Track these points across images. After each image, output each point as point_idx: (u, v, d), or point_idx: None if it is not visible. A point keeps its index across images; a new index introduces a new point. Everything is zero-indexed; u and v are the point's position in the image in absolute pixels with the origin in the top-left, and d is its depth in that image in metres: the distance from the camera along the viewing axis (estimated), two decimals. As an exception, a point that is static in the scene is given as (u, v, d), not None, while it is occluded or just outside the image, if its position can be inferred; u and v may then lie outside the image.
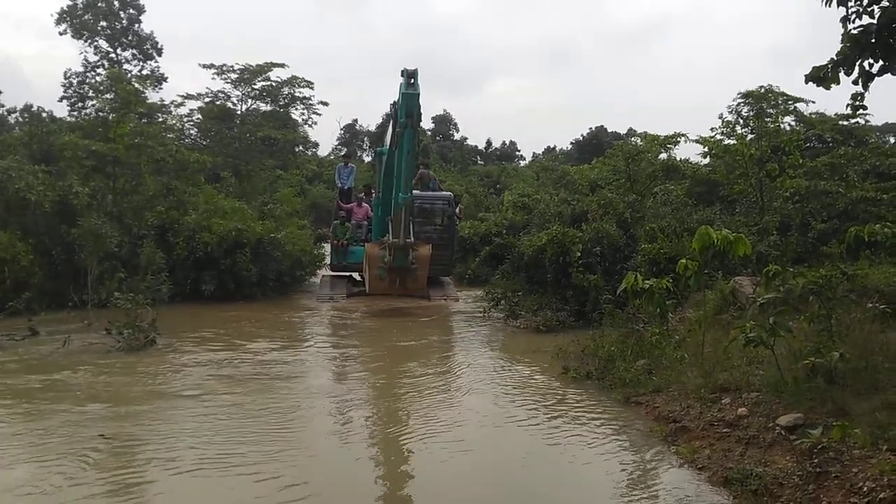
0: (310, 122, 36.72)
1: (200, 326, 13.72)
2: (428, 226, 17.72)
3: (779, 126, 18.17)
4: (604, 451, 6.84)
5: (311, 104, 35.54)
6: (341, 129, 62.29)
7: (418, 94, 13.32)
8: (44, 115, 26.58)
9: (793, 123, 21.56)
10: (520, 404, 8.52)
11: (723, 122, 18.09)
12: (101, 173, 17.96)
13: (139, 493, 5.82)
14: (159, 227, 17.41)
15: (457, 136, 65.30)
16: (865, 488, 4.68)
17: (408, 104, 13.29)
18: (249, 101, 35.20)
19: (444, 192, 20.02)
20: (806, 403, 6.28)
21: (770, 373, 7.08)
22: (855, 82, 6.92)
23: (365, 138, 62.09)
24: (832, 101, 27.94)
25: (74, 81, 38.81)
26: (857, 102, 7.12)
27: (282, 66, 33.87)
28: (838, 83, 6.90)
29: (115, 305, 12.16)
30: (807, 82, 6.85)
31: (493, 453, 6.88)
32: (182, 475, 6.13)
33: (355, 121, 64.24)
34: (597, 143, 53.90)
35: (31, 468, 6.28)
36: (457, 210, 19.17)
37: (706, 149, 19.48)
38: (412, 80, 13.25)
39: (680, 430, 6.98)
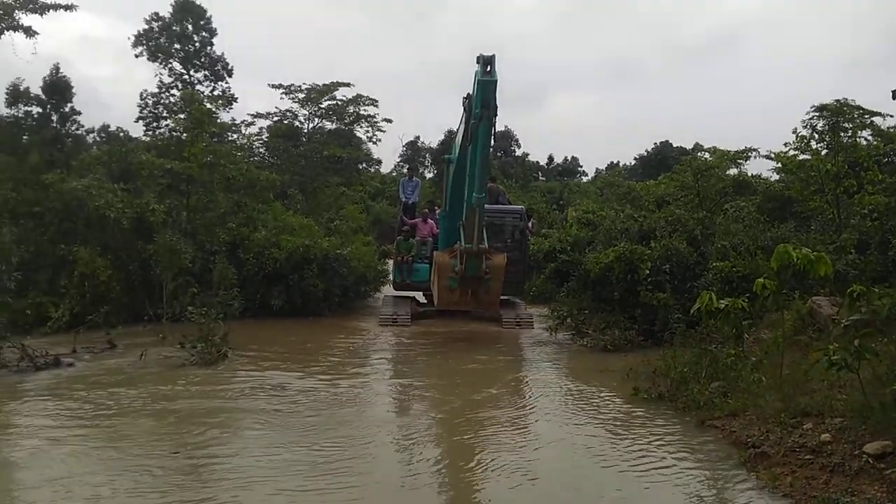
0: (374, 140, 37.25)
1: (270, 343, 14.02)
2: (498, 242, 16.49)
3: (856, 141, 17.52)
4: (679, 477, 6.64)
5: (375, 122, 36.03)
6: (403, 146, 62.85)
7: (496, 82, 12.00)
8: (121, 134, 27.82)
9: (870, 138, 20.78)
10: (589, 428, 8.37)
11: (797, 136, 17.55)
12: (175, 191, 18.63)
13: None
14: (230, 243, 17.88)
15: (518, 153, 65.13)
16: (964, 523, 4.44)
17: (484, 93, 12.01)
18: (315, 119, 35.93)
19: (516, 206, 19.20)
20: (894, 431, 5.99)
21: (854, 397, 6.81)
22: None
23: (427, 155, 62.48)
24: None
25: (150, 102, 40.19)
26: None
27: (347, 85, 34.48)
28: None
29: (189, 320, 12.50)
30: (895, 98, 6.61)
31: (564, 483, 6.63)
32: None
33: (417, 138, 64.72)
34: (661, 159, 52.99)
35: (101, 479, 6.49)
36: (529, 224, 18.32)
37: (778, 164, 18.94)
38: (489, 67, 11.98)
39: (759, 455, 6.74)
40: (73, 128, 27.18)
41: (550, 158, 68.68)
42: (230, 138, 28.93)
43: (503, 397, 10.22)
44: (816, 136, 17.27)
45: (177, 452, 7.25)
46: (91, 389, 9.97)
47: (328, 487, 6.38)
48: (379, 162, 51.89)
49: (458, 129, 14.32)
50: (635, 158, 61.59)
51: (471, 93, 12.52)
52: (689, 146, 44.81)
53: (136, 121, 40.00)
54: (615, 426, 8.37)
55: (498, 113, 12.12)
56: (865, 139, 20.07)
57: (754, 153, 20.79)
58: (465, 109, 13.00)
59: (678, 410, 8.76)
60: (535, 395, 10.25)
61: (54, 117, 25.93)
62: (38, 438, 7.71)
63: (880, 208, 15.93)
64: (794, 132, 17.56)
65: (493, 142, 12.69)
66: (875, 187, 16.47)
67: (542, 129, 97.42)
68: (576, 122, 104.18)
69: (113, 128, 29.72)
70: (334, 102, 35.19)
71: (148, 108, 40.50)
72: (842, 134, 17.74)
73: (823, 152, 17.58)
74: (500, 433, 8.25)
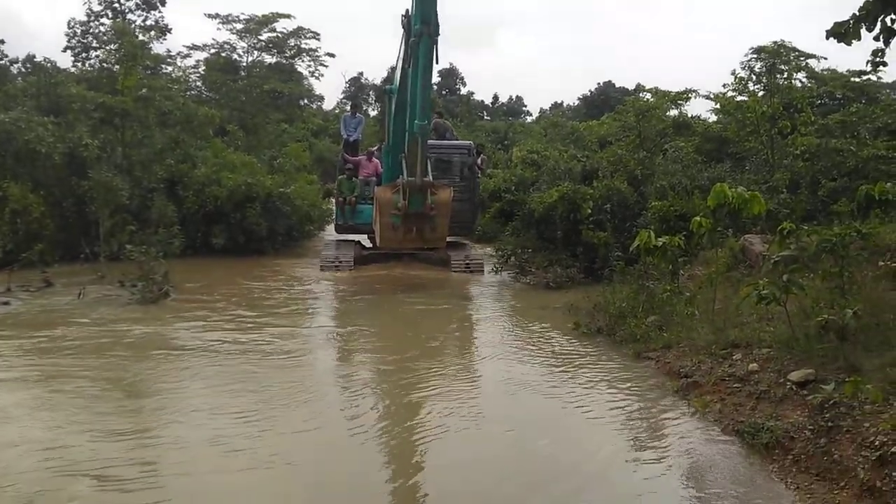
0: (316, 75, 36.44)
1: (211, 283, 13.84)
2: (447, 180, 15.40)
3: (791, 83, 17.95)
4: (617, 406, 6.93)
5: (317, 56, 35.21)
6: (346, 83, 61.61)
7: None
8: (48, 65, 26.46)
9: (805, 80, 21.33)
10: (531, 364, 8.56)
11: (735, 78, 17.90)
12: (109, 126, 17.95)
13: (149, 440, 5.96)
14: (168, 180, 17.48)
15: (463, 91, 64.58)
16: (877, 442, 4.78)
17: (423, 8, 11.24)
18: (255, 52, 34.87)
19: (463, 142, 18.35)
20: (817, 360, 6.35)
21: (781, 329, 7.16)
22: (876, 38, 6.85)
23: (370, 92, 61.38)
24: (844, 57, 27.49)
25: (78, 31, 38.10)
26: (878, 59, 7.05)
27: (288, 16, 33.50)
28: (859, 39, 6.82)
29: (129, 258, 12.28)
30: (828, 38, 6.77)
31: (508, 416, 6.78)
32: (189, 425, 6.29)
33: (361, 74, 63.40)
34: (604, 99, 53.35)
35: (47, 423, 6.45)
36: (478, 161, 17.41)
37: (717, 105, 19.30)
38: None
39: (691, 384, 7.09)
40: (-6, 57, 25.80)
41: (495, 98, 68.39)
42: (165, 71, 27.92)
43: (446, 338, 10.33)
44: (754, 77, 17.62)
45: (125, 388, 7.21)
46: (28, 328, 9.76)
47: (268, 432, 6.14)
48: (321, 98, 50.94)
49: (398, 55, 13.41)
50: (579, 98, 61.84)
51: (409, 9, 11.71)
52: (632, 87, 45.19)
53: (64, 51, 37.94)
54: (556, 361, 8.62)
55: (440, 32, 11.26)
56: (801, 81, 20.62)
57: (694, 94, 21.11)
58: (404, 29, 12.09)
59: (616, 344, 9.09)
60: (479, 334, 10.50)
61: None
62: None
63: (812, 149, 16.47)
64: (733, 73, 17.90)
65: (435, 62, 11.66)
66: (808, 129, 16.97)
67: (487, 68, 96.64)
68: (520, 61, 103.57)
69: (39, 58, 28.25)
70: (274, 35, 34.21)
71: (76, 38, 38.45)
72: (778, 76, 18.18)
73: (760, 94, 18.00)
74: (443, 375, 8.10)
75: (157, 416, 6.55)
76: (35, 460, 5.41)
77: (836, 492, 4.75)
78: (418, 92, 12.05)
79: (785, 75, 18.10)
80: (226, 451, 5.68)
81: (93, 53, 35.88)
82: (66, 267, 14.24)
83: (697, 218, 8.84)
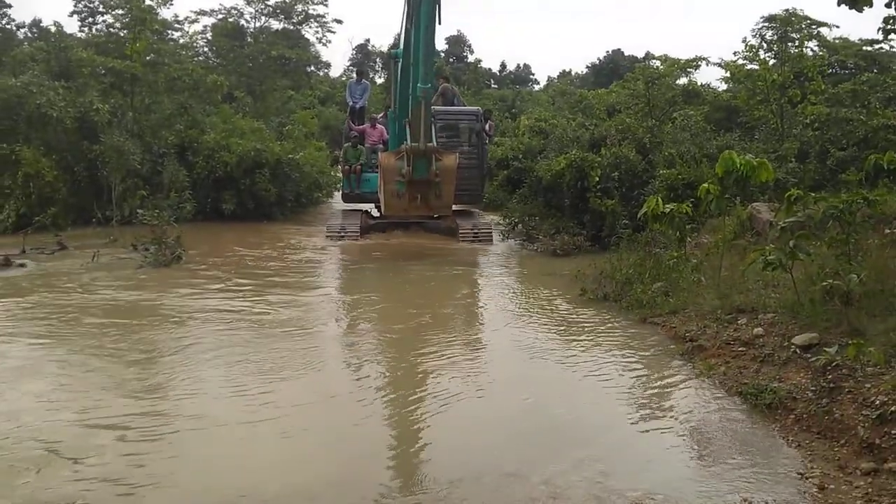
0: (323, 41, 36.24)
1: (221, 248, 13.95)
2: (455, 147, 15.28)
3: (802, 51, 17.83)
4: (623, 369, 7.05)
5: (324, 22, 34.92)
6: (353, 50, 61.14)
7: None
8: (55, 30, 26.40)
9: (816, 49, 21.14)
10: (539, 328, 8.70)
11: (746, 45, 17.78)
12: (118, 91, 18.00)
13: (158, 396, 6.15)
14: (178, 145, 17.55)
15: (470, 59, 64.03)
16: (877, 402, 4.92)
17: None
18: (262, 18, 34.62)
19: (471, 107, 18.09)
20: (821, 324, 6.47)
21: (787, 295, 7.27)
22: (888, 5, 6.86)
23: (377, 59, 60.94)
24: (856, 26, 27.28)
25: (85, -5, 38.00)
26: (889, 26, 7.07)
27: (296, -20, 33.17)
28: (871, 6, 6.83)
29: (142, 222, 12.42)
30: (839, 4, 6.77)
31: (520, 381, 6.77)
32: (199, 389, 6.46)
33: (367, 41, 62.84)
34: (613, 67, 52.86)
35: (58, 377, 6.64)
36: (486, 126, 17.09)
37: (727, 73, 19.19)
38: None
39: (696, 348, 7.22)
40: (2, 21, 25.76)
41: (503, 65, 67.74)
42: (172, 36, 27.77)
43: (454, 305, 10.39)
44: (765, 45, 17.51)
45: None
46: (45, 289, 9.95)
47: (279, 389, 6.28)
48: (328, 65, 50.66)
49: (402, 17, 13.04)
50: (587, 66, 61.21)
51: None
52: (641, 55, 44.81)
53: (71, 15, 37.77)
54: (563, 327, 8.73)
55: None
56: (812, 50, 20.44)
57: (704, 62, 20.99)
58: None
59: (622, 310, 9.19)
60: (486, 301, 10.56)
61: (-18, 10, 24.49)
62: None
63: (822, 118, 16.43)
64: (744, 41, 17.78)
65: (438, 23, 11.18)
66: (818, 97, 16.92)
67: (494, 34, 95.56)
68: (529, 28, 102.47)
69: (45, 23, 28.17)
70: (281, 0, 33.90)
71: (83, 2, 38.31)
72: (789, 44, 18.05)
73: (771, 62, 17.89)
74: (452, 341, 8.10)
75: (170, 376, 6.72)
76: (54, 415, 5.58)
77: (835, 449, 4.89)
78: (421, 54, 11.70)
79: (796, 44, 17.92)
80: (239, 405, 5.87)
81: (99, 18, 35.78)
82: (78, 230, 14.44)
83: (705, 185, 8.90)
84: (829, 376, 5.52)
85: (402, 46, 13.84)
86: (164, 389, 6.32)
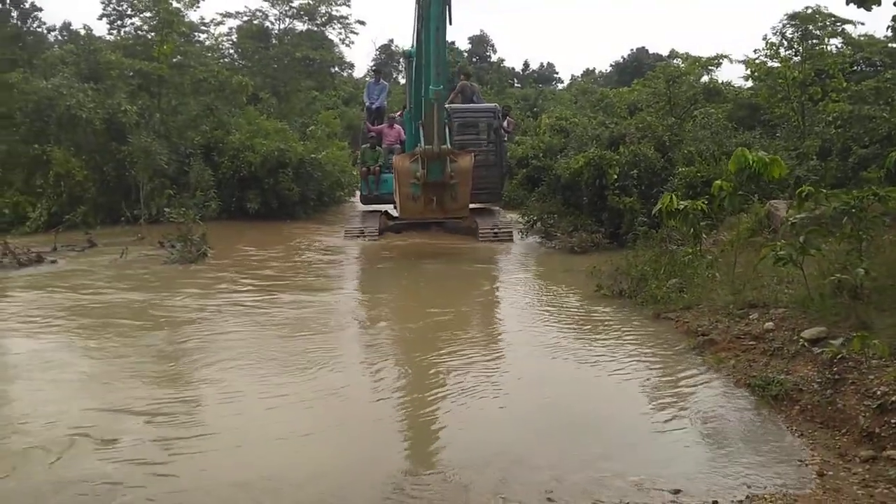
0: (346, 42, 36.52)
1: (246, 244, 14.30)
2: (473, 145, 15.28)
3: (824, 48, 17.74)
4: (635, 363, 7.16)
5: (347, 23, 35.25)
6: (377, 50, 61.48)
7: None
8: (84, 33, 26.99)
9: (840, 46, 20.98)
10: (556, 324, 8.84)
11: (767, 43, 17.73)
12: (146, 92, 18.42)
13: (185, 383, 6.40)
14: (204, 146, 17.92)
15: (493, 58, 64.08)
16: (879, 392, 5.01)
17: None
18: (286, 20, 35.04)
19: (488, 104, 17.88)
20: (830, 318, 6.55)
21: (798, 290, 7.34)
22: None
23: (400, 59, 61.22)
24: (882, 23, 26.95)
25: (114, -1, 38.74)
26: (899, 24, 7.10)
27: (318, -17, 33.53)
28: (879, 4, 6.87)
29: (169, 220, 12.76)
30: (847, 3, 6.83)
31: (533, 375, 6.86)
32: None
33: (391, 41, 63.17)
34: (637, 66, 52.59)
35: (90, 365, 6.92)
36: (505, 123, 16.97)
37: (749, 71, 19.14)
38: None
39: (707, 342, 7.32)
40: (34, 25, 26.39)
41: (526, 65, 67.70)
42: (198, 38, 28.28)
43: (471, 302, 10.53)
44: (786, 43, 17.45)
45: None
46: (76, 285, 10.30)
47: (300, 382, 6.49)
48: (352, 66, 50.93)
49: (414, 16, 12.75)
50: (611, 65, 60.97)
51: None
52: (666, 53, 44.60)
53: (100, 18, 38.55)
54: (579, 322, 8.87)
55: None
56: (836, 47, 20.29)
57: (727, 59, 20.93)
58: None
59: (637, 305, 9.30)
60: (503, 297, 10.74)
61: (14, 14, 25.11)
62: (29, 329, 8.09)
63: (844, 116, 16.35)
64: (764, 39, 17.74)
65: (449, 23, 11.06)
66: (840, 95, 16.82)
67: (518, 34, 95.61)
68: (553, 27, 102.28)
69: (75, 26, 28.81)
70: (305, 2, 34.28)
71: (112, 6, 39.03)
72: (812, 42, 17.96)
73: (794, 60, 17.81)
74: (470, 338, 8.24)
75: (193, 368, 6.98)
76: (82, 402, 5.85)
77: (837, 438, 5.00)
78: (432, 56, 11.54)
79: (817, 41, 17.84)
80: (261, 396, 6.10)
81: (128, 21, 36.50)
82: (107, 229, 14.84)
83: (718, 182, 8.98)
84: (835, 369, 5.61)
85: (413, 47, 13.78)
86: (187, 380, 6.58)
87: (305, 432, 5.39)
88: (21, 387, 6.31)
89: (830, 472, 4.57)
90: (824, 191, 7.77)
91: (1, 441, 5.07)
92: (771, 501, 4.23)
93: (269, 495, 4.32)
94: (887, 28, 7.11)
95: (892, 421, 4.75)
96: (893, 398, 4.87)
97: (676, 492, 4.35)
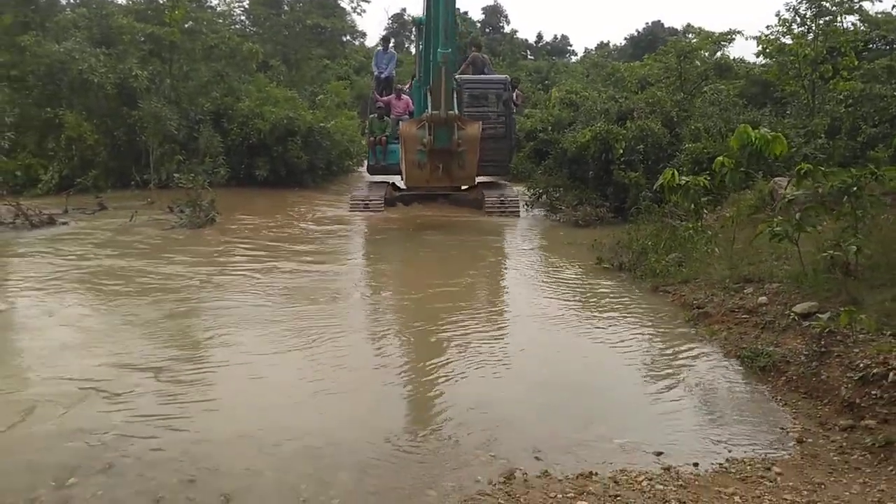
0: (358, 11, 36.47)
1: (254, 211, 14.45)
2: (481, 115, 15.13)
3: (836, 26, 17.58)
4: (631, 335, 7.29)
5: (360, -10, 35.09)
6: (389, 19, 61.08)
7: None
8: (97, -4, 27.01)
9: (856, 23, 20.75)
10: (557, 296, 8.95)
11: (780, 20, 17.58)
12: (157, 58, 18.49)
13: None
14: (214, 112, 18.03)
15: (507, 29, 63.56)
16: (861, 365, 5.16)
17: None
18: (298, -15, 34.91)
19: (498, 76, 17.77)
20: (822, 294, 6.69)
21: (793, 266, 7.47)
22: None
23: (413, 29, 60.77)
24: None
25: (125, -37, 38.61)
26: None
27: (331, -51, 33.35)
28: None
29: (179, 185, 12.93)
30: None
31: (530, 345, 6.96)
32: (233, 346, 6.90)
33: (403, 10, 62.75)
34: (652, 39, 52.10)
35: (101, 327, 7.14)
36: (514, 95, 16.90)
37: (761, 48, 18.99)
38: None
39: (702, 315, 7.48)
40: (46, -12, 26.31)
41: (539, 36, 67.19)
42: (210, 3, 28.20)
43: (474, 274, 10.55)
44: (798, 19, 17.31)
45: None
46: (87, 247, 10.53)
47: (304, 346, 6.62)
48: (364, 35, 50.74)
49: None
50: (626, 39, 60.42)
51: None
52: (681, 26, 44.14)
53: (112, -18, 38.57)
54: (579, 294, 9.01)
55: None
56: (853, 24, 20.09)
57: (739, 35, 20.76)
58: None
59: (637, 279, 9.44)
60: (506, 269, 10.94)
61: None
62: (41, 289, 8.33)
63: (855, 94, 16.25)
64: (777, 15, 17.59)
65: None
66: (851, 73, 16.71)
67: (533, 4, 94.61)
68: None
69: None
70: (318, -31, 34.16)
71: (124, -31, 38.89)
72: (826, 19, 17.79)
73: (809, 36, 17.66)
74: (469, 309, 8.24)
75: (199, 330, 7.20)
76: (90, 360, 6.03)
77: (819, 407, 5.16)
78: (440, 16, 11.35)
79: (830, 18, 17.68)
80: (264, 356, 6.31)
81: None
82: (117, 192, 15.05)
83: (720, 158, 9.06)
84: (823, 342, 5.75)
85: (423, 13, 13.51)
86: (194, 339, 6.80)
87: (307, 390, 5.60)
88: (32, 343, 6.52)
89: (810, 440, 4.74)
90: (823, 169, 7.84)
91: (11, 393, 5.28)
92: (749, 465, 4.40)
93: (271, 447, 4.52)
94: (893, 7, 7.05)
95: (873, 392, 4.90)
96: (875, 370, 5.02)
97: (659, 454, 4.53)
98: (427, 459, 4.45)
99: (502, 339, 7.26)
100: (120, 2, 27.82)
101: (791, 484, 4.14)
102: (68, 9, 26.21)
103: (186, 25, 18.70)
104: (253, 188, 17.07)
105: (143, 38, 18.22)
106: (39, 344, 6.47)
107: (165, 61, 18.59)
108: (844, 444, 4.63)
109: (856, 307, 6.01)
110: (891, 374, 4.92)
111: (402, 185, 16.04)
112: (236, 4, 32.65)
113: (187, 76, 18.88)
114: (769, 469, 4.33)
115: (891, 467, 4.31)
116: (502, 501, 3.94)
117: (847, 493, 4.04)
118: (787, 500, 3.96)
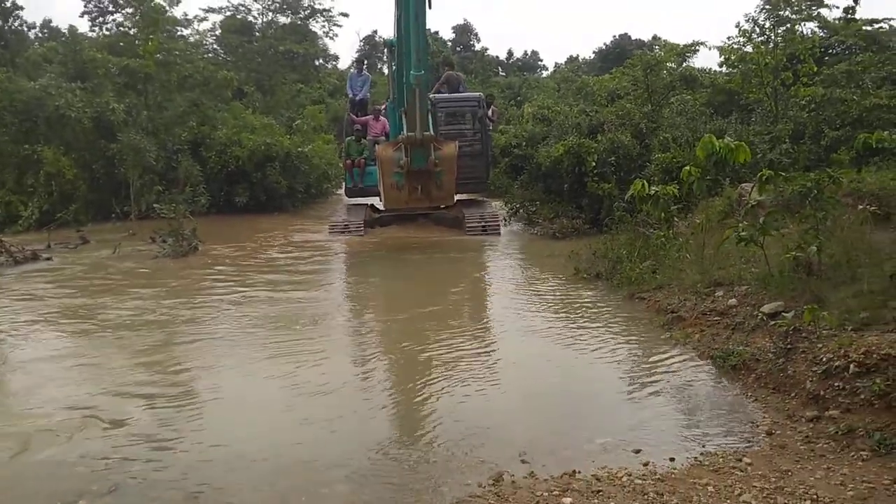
0: (330, 35, 36.84)
1: (235, 238, 14.58)
2: (458, 133, 15.39)
3: (794, 34, 18.16)
4: (609, 341, 7.57)
5: (330, 16, 35.51)
6: (361, 42, 61.53)
7: None
8: (64, 29, 27.18)
9: (816, 29, 21.40)
10: (536, 307, 9.24)
11: (740, 29, 18.13)
12: (132, 90, 18.66)
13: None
14: (192, 141, 18.22)
15: (477, 47, 64.21)
16: (824, 359, 5.46)
17: None
18: (269, 13, 35.23)
19: (472, 93, 17.90)
20: (788, 294, 7.00)
21: (760, 268, 7.80)
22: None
23: (385, 50, 61.14)
24: (863, 6, 27.33)
25: (95, -5, 38.71)
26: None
27: (301, -24, 33.74)
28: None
29: (160, 215, 13.09)
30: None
31: (513, 356, 7.16)
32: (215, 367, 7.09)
33: (375, 32, 63.08)
34: (620, 52, 52.90)
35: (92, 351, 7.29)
36: (489, 112, 16.99)
37: (723, 58, 19.54)
38: None
39: (676, 319, 7.79)
40: (15, 24, 26.47)
41: (510, 53, 67.90)
42: (181, 33, 28.42)
43: (455, 288, 10.88)
44: (758, 29, 17.86)
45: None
46: (74, 281, 10.65)
47: (290, 370, 6.74)
48: (336, 58, 51.07)
49: (393, 3, 12.34)
50: (594, 52, 61.27)
51: None
52: (648, 38, 44.99)
53: (81, 15, 38.64)
54: (557, 304, 9.32)
55: None
56: (812, 31, 20.72)
57: (703, 46, 21.37)
58: None
59: (613, 287, 9.75)
60: (486, 283, 11.25)
61: (-3, 15, 25.24)
62: (33, 324, 8.45)
63: (816, 99, 16.78)
64: (737, 26, 18.14)
65: (428, 7, 10.78)
66: (812, 79, 17.24)
67: (502, 22, 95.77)
68: (536, 15, 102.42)
69: (55, 23, 28.93)
70: (288, -4, 34.53)
71: (93, 2, 39.03)
72: (785, 27, 18.38)
73: (770, 45, 18.21)
74: (453, 324, 8.46)
75: (188, 358, 7.37)
76: (86, 388, 6.22)
77: (787, 401, 5.46)
78: (411, 38, 11.30)
79: (788, 25, 18.27)
80: (252, 381, 6.52)
81: (109, 18, 36.52)
82: (99, 226, 15.16)
83: (688, 167, 9.41)
84: (789, 339, 6.06)
85: (395, 35, 13.43)
86: (185, 367, 6.95)
87: (297, 411, 5.78)
88: (30, 376, 6.66)
89: (778, 431, 5.04)
90: (783, 174, 8.20)
91: (13, 424, 5.44)
92: (722, 457, 4.68)
93: (268, 464, 4.72)
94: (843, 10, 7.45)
95: (836, 384, 5.20)
96: (837, 363, 5.32)
97: (638, 451, 4.79)
98: (419, 468, 4.67)
99: (487, 353, 7.45)
100: (91, 35, 28.10)
101: (760, 472, 4.42)
102: (37, 43, 26.40)
103: (159, 56, 18.87)
104: (233, 215, 17.24)
105: (117, 72, 18.36)
106: (37, 376, 6.61)
107: (141, 93, 18.77)
108: (810, 433, 4.92)
109: (819, 305, 6.32)
110: (851, 366, 5.22)
111: (381, 206, 15.97)
112: (209, 33, 33.05)
113: (163, 107, 19.06)
114: (740, 460, 4.61)
115: (853, 453, 4.60)
116: (492, 502, 4.18)
117: (812, 479, 4.32)
118: (756, 487, 4.23)
